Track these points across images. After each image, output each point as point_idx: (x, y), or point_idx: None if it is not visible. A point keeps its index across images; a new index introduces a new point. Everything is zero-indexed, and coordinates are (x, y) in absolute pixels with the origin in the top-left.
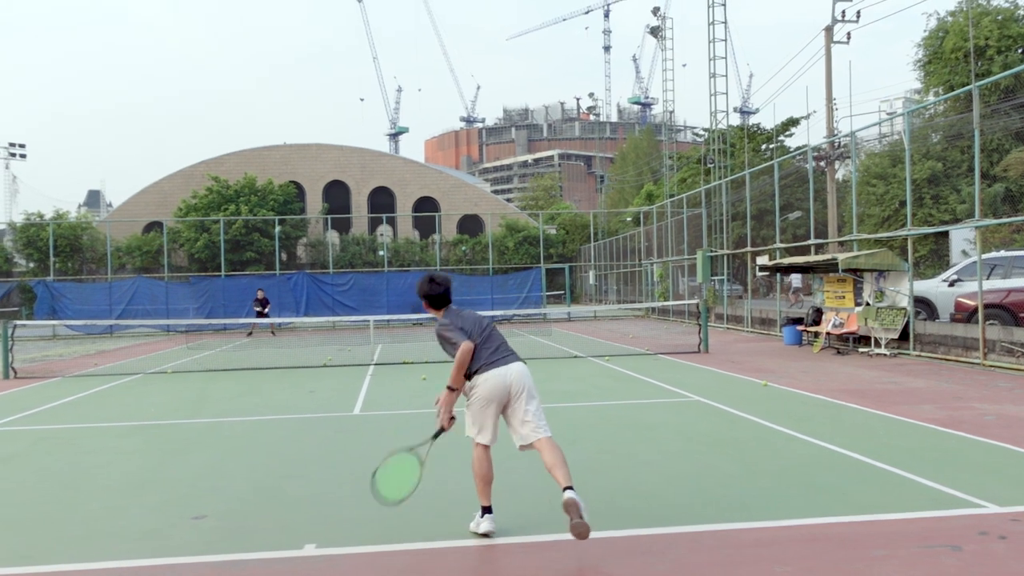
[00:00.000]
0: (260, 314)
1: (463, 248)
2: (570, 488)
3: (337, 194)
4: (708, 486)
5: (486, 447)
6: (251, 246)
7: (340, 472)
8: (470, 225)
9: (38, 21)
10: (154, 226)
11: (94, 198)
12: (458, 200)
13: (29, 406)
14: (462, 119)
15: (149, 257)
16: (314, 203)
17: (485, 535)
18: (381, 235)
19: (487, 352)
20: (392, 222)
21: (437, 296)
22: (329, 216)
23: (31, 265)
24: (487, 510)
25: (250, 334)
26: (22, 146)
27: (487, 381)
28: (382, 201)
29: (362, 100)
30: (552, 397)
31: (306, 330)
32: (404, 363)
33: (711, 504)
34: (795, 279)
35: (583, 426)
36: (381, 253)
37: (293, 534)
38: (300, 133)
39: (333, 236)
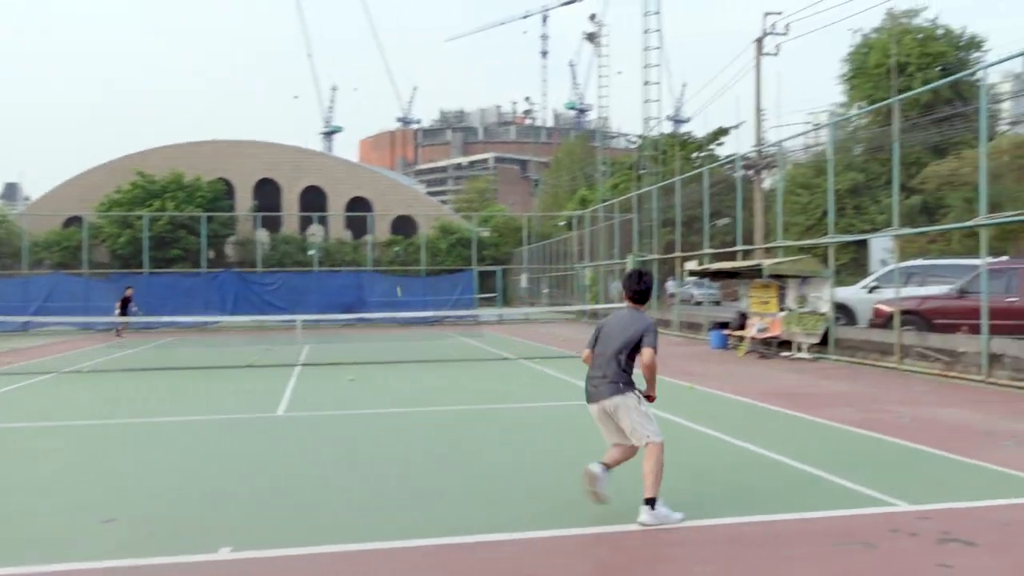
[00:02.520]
0: (123, 313)
1: (396, 249)
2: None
3: (268, 192)
4: (629, 487)
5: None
6: (177, 243)
7: (259, 474)
8: (404, 226)
9: None
10: (74, 221)
11: (11, 191)
12: (392, 201)
13: None
14: (398, 120)
15: (68, 253)
16: (244, 201)
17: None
18: (312, 234)
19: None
20: (324, 222)
21: (635, 292)
22: (259, 214)
23: None
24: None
25: (119, 334)
26: None
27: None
28: (314, 200)
29: (296, 98)
30: (480, 398)
31: (232, 330)
32: (332, 364)
33: (635, 505)
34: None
35: (510, 427)
36: (311, 253)
37: (208, 537)
38: (231, 130)
39: (263, 235)
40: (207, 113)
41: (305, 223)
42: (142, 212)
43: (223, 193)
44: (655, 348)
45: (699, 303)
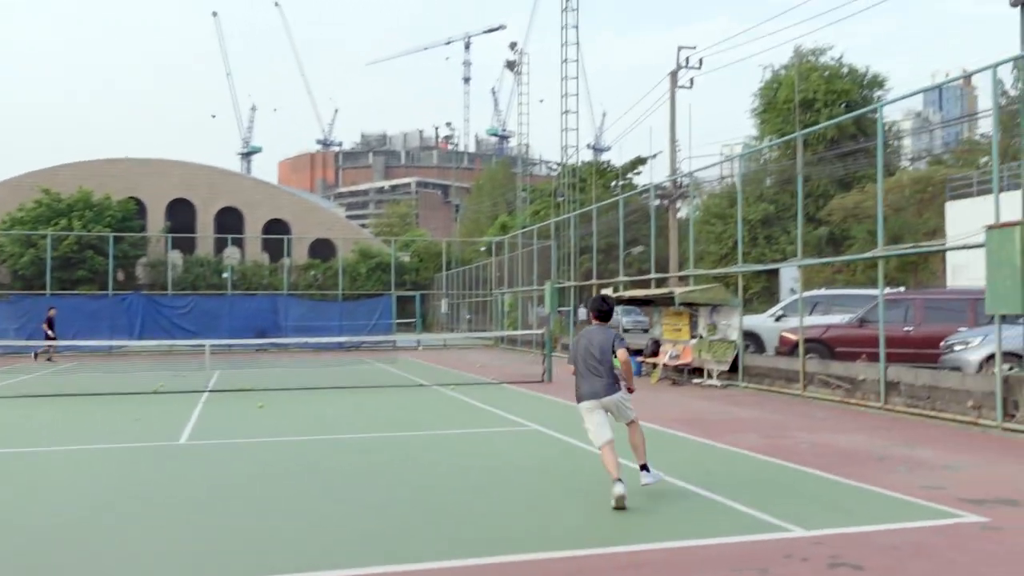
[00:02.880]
0: (49, 336)
1: (313, 273)
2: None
3: (182, 212)
4: (535, 515)
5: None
6: (83, 264)
7: (151, 505)
8: (322, 249)
9: None
10: None
11: None
12: (310, 224)
13: None
14: (318, 142)
15: None
16: (156, 221)
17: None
18: (228, 257)
19: (579, 384)
20: (240, 244)
21: (600, 312)
22: (171, 235)
23: None
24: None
25: (36, 357)
26: None
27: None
28: (230, 222)
29: (214, 117)
30: (390, 426)
31: (140, 354)
32: (242, 390)
33: (536, 532)
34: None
35: (418, 454)
36: (225, 275)
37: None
38: (144, 148)
39: (175, 256)
40: (119, 130)
41: (220, 245)
42: (46, 231)
43: (134, 213)
44: (626, 348)
45: (627, 330)
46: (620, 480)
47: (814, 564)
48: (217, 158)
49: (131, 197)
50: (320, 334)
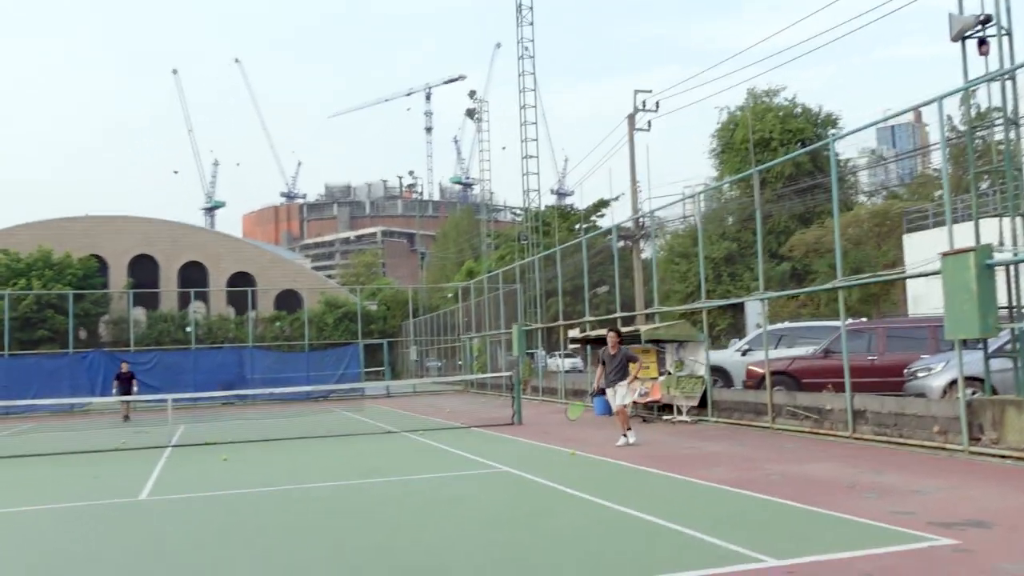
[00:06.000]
0: (127, 391)
1: (279, 324)
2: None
3: (145, 269)
4: (503, 557)
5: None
6: (44, 323)
7: (106, 566)
8: (288, 301)
9: None
10: None
11: None
12: (276, 276)
13: None
14: (282, 194)
15: None
16: (118, 278)
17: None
18: (195, 311)
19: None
20: (204, 298)
21: (620, 340)
22: (133, 291)
23: None
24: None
25: (127, 417)
26: None
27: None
28: (194, 276)
29: (176, 173)
30: (358, 474)
31: (104, 412)
32: (206, 444)
33: None
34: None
35: (386, 502)
36: (189, 330)
37: None
38: (105, 205)
39: (138, 313)
40: (80, 189)
41: (185, 300)
42: (4, 291)
43: (95, 270)
44: (634, 359)
45: (568, 371)
46: (624, 435)
47: None
48: (181, 214)
49: (92, 255)
50: (287, 385)
